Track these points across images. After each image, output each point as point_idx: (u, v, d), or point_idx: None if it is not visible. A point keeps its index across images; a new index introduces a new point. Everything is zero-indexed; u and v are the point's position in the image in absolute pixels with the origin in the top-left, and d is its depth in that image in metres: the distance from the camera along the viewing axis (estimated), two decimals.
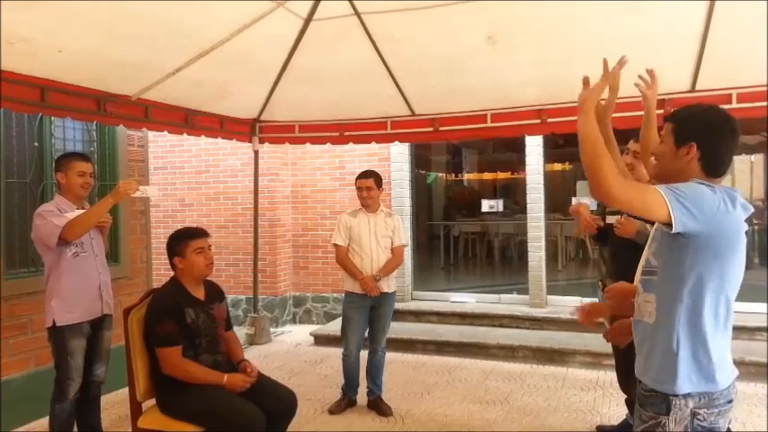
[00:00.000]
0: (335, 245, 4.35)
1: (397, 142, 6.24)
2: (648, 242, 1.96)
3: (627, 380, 3.39)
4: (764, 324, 5.45)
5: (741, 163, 9.68)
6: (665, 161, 1.85)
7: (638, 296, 1.94)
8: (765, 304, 5.63)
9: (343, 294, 4.43)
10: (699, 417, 1.74)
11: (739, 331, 5.01)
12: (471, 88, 4.81)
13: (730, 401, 1.80)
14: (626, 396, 3.71)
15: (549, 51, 4.14)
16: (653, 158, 1.97)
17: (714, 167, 1.80)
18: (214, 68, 4.23)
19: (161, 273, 6.88)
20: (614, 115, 4.67)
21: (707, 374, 1.75)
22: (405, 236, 4.48)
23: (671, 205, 1.61)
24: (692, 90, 4.45)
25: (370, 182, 4.31)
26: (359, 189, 4.33)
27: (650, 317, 1.85)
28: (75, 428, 3.50)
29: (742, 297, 3.08)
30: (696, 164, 1.79)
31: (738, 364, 2.48)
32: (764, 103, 4.23)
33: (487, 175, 14.26)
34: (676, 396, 1.75)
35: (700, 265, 1.73)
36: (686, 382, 1.75)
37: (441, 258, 10.25)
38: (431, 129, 5.38)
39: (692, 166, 1.80)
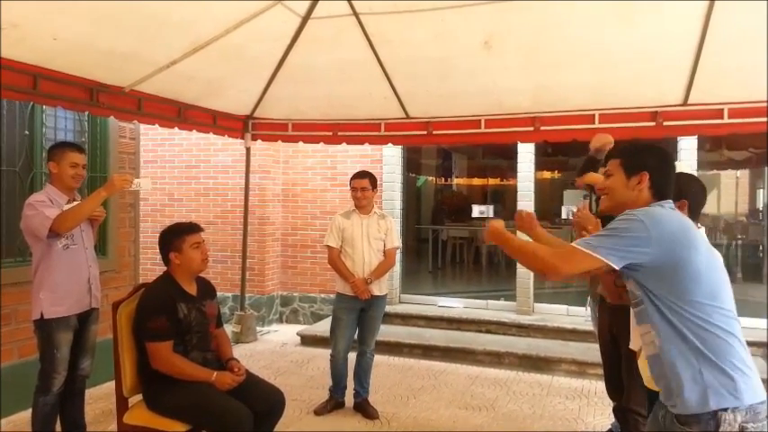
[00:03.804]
0: (328, 246, 4.33)
1: (390, 144, 6.23)
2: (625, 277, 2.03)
3: (616, 387, 3.40)
4: (761, 340, 5.50)
5: (727, 178, 9.81)
6: (618, 193, 2.01)
7: (639, 331, 1.98)
8: (765, 320, 5.68)
9: (332, 295, 4.42)
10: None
11: None
12: (465, 93, 4.84)
13: (767, 417, 1.78)
14: (614, 404, 3.72)
15: (543, 58, 4.18)
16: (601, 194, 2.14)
17: (662, 193, 1.97)
18: (209, 63, 4.21)
19: (147, 267, 6.83)
20: (611, 126, 4.75)
21: (743, 387, 1.75)
22: (398, 238, 4.47)
23: (596, 253, 1.81)
24: (685, 104, 4.51)
25: (365, 182, 4.29)
26: (353, 189, 4.31)
27: (655, 346, 1.88)
28: (58, 422, 3.44)
29: None
30: (647, 191, 1.96)
31: None
32: (756, 119, 4.29)
33: (477, 181, 14.33)
34: (725, 410, 1.73)
35: (670, 283, 1.81)
36: (726, 396, 1.74)
37: (429, 262, 10.26)
38: (425, 132, 5.39)
39: (644, 194, 1.96)
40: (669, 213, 1.91)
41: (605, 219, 3.15)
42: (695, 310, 1.79)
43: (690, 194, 2.43)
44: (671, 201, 1.97)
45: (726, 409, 1.72)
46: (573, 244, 1.89)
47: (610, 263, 1.81)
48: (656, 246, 1.78)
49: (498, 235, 2.13)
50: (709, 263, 1.86)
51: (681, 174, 2.54)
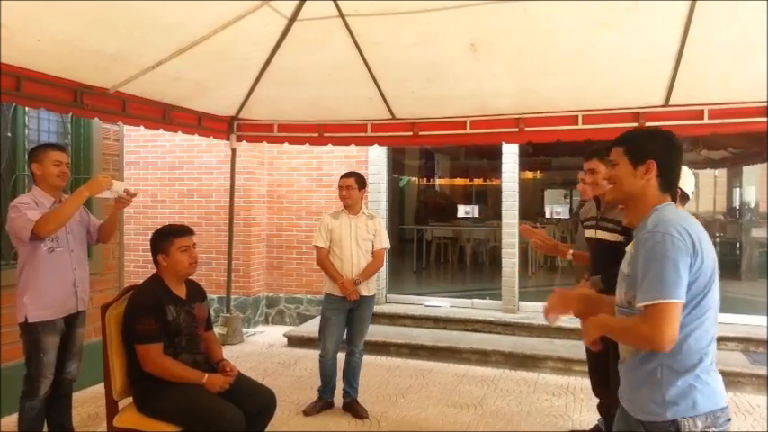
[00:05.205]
0: (316, 246, 4.34)
1: (376, 145, 6.25)
2: (620, 287, 1.92)
3: (600, 384, 3.46)
4: (738, 335, 5.62)
5: (705, 177, 10.00)
6: (625, 183, 1.90)
7: None
8: (765, 317, 5.80)
9: (318, 296, 4.42)
10: None
11: None
12: (451, 95, 4.87)
13: (729, 420, 1.81)
14: (599, 400, 3.79)
15: (528, 61, 4.22)
16: (606, 184, 2.02)
17: (670, 183, 1.88)
18: (194, 64, 4.19)
19: (130, 269, 6.78)
20: (594, 127, 4.83)
21: (700, 397, 1.76)
22: (386, 239, 4.48)
23: (674, 298, 1.69)
24: (666, 105, 4.59)
25: (350, 181, 4.30)
26: (339, 188, 4.33)
27: (634, 354, 1.87)
28: (45, 426, 3.41)
29: None
30: (655, 181, 1.86)
31: None
32: (735, 120, 4.39)
33: (459, 181, 14.42)
34: (685, 418, 1.74)
35: None
36: (683, 407, 1.75)
37: (413, 262, 10.31)
38: (410, 133, 5.41)
39: (652, 184, 1.86)
40: (685, 217, 1.83)
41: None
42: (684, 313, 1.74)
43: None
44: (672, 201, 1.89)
45: (685, 417, 1.75)
46: (645, 303, 1.73)
47: (683, 300, 1.71)
48: (696, 254, 1.73)
49: (599, 327, 1.92)
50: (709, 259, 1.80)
51: None
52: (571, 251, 3.81)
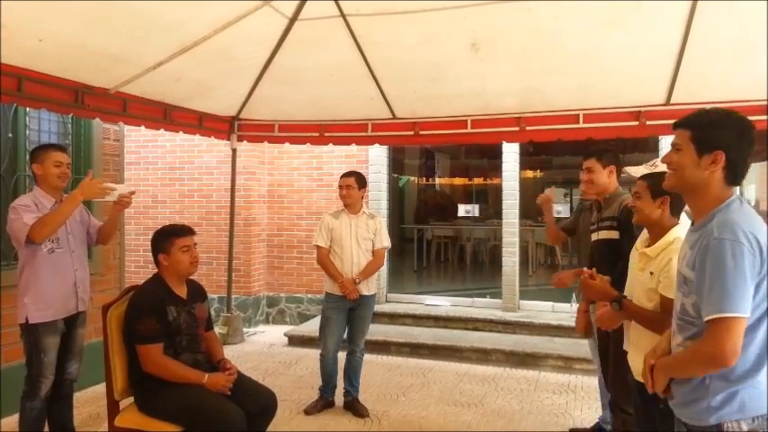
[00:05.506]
0: (317, 246, 4.35)
1: (376, 145, 6.25)
2: (680, 290, 1.81)
3: (614, 380, 3.45)
4: None
5: None
6: (687, 172, 1.75)
7: (674, 339, 1.86)
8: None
9: (318, 295, 4.43)
10: None
11: None
12: (452, 94, 4.86)
13: None
14: (609, 397, 3.77)
15: (533, 63, 4.22)
16: (667, 168, 1.85)
17: (737, 176, 1.74)
18: (195, 64, 4.18)
19: (131, 270, 6.78)
20: (595, 125, 4.82)
21: (747, 400, 1.67)
22: (387, 238, 4.48)
23: (739, 313, 1.59)
24: (667, 103, 4.59)
25: (350, 180, 4.32)
26: (339, 187, 4.35)
27: None
28: (46, 427, 3.41)
29: None
30: (720, 173, 1.71)
31: None
32: None
33: (459, 180, 14.41)
34: (729, 421, 1.67)
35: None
36: (728, 411, 1.68)
37: (413, 261, 10.31)
38: (411, 132, 5.41)
39: (716, 176, 1.72)
40: (750, 218, 1.68)
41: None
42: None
43: (672, 192, 2.48)
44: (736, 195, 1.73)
45: (730, 419, 1.68)
46: (710, 316, 1.62)
47: (747, 314, 1.60)
48: (763, 262, 1.62)
49: (664, 371, 1.83)
50: None
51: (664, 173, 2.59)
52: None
